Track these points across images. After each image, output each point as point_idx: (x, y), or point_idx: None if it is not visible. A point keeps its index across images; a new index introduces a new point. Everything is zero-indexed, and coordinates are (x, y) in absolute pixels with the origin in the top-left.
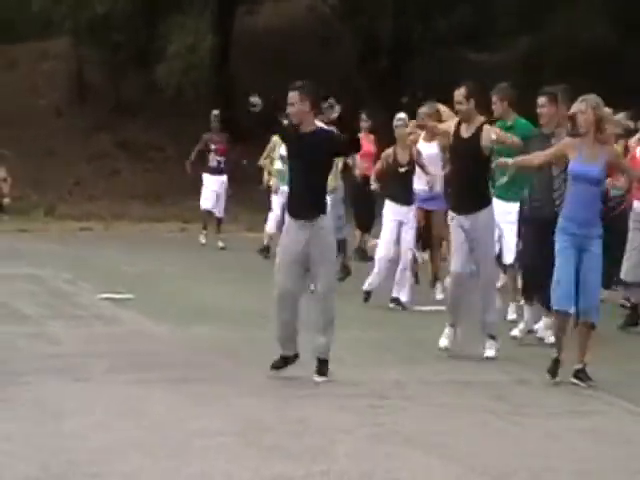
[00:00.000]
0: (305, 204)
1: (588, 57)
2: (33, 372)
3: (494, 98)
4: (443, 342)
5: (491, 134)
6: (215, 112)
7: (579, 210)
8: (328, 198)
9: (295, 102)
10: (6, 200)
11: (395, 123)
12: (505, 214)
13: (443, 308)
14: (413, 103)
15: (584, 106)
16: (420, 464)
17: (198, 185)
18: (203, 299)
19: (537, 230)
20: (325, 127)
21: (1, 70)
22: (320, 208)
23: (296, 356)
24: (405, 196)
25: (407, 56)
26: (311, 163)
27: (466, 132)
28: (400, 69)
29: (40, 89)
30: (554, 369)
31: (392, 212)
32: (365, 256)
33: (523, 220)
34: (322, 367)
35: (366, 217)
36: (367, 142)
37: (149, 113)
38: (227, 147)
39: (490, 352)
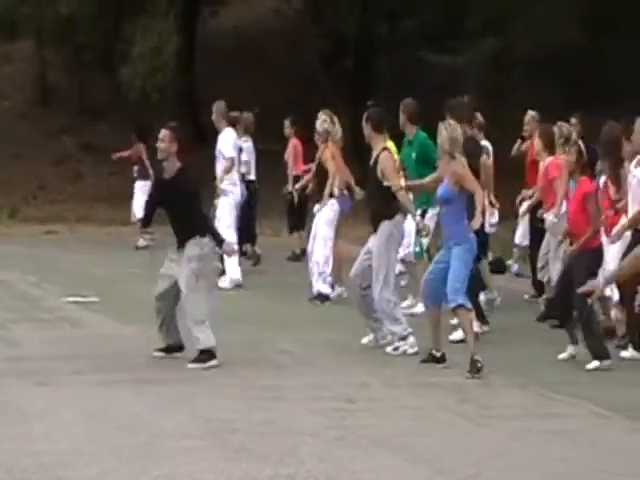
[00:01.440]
0: None
1: (555, 58)
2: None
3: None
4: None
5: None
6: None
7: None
8: None
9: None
10: None
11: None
12: None
13: (414, 311)
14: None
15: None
16: (387, 466)
17: None
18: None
19: None
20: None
21: None
22: None
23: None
24: None
25: (372, 57)
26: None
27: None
28: (365, 70)
29: (3, 92)
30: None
31: None
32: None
33: None
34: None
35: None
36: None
37: (114, 116)
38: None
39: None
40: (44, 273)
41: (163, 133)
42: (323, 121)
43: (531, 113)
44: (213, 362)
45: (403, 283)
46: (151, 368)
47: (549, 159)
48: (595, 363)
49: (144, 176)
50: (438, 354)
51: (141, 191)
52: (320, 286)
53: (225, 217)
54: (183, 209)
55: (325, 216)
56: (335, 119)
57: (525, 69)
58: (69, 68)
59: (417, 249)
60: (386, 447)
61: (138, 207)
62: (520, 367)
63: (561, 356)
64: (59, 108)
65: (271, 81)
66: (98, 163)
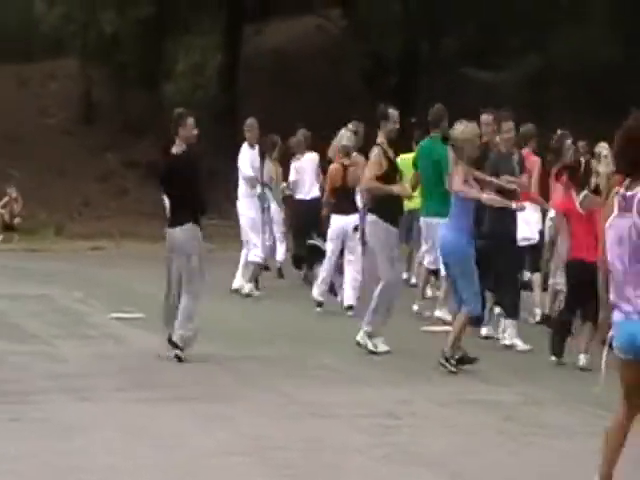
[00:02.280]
0: None
1: (594, 74)
2: (42, 391)
3: None
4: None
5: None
6: None
7: None
8: None
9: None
10: (17, 219)
11: None
12: None
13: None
14: (421, 123)
15: None
16: None
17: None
18: (211, 317)
19: None
20: None
21: (11, 90)
22: None
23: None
24: None
25: (414, 74)
26: None
27: None
28: (407, 88)
29: (48, 109)
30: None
31: None
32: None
33: None
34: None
35: None
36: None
37: (156, 133)
38: None
39: None
40: (89, 289)
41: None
42: (348, 137)
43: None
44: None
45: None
46: (194, 385)
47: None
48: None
49: None
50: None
51: None
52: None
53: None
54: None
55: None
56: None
57: (565, 86)
58: (113, 85)
59: None
60: (430, 465)
61: None
62: (564, 383)
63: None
64: (103, 125)
65: (313, 99)
66: (141, 179)
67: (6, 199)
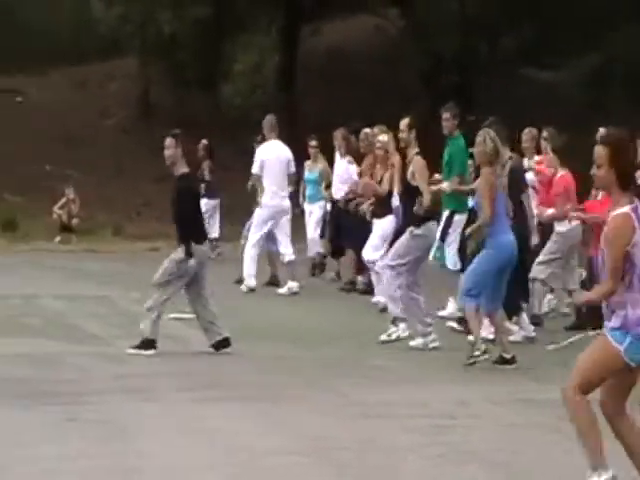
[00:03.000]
0: None
1: None
2: (102, 392)
3: (446, 115)
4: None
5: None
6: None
7: None
8: None
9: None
10: (75, 220)
11: None
12: None
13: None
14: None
15: None
16: None
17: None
18: (268, 317)
19: None
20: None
21: (70, 91)
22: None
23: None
24: None
25: (472, 74)
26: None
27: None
28: (465, 87)
29: (108, 109)
30: None
31: None
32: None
33: None
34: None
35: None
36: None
37: (214, 132)
38: None
39: None
40: (147, 290)
41: (167, 141)
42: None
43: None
44: (150, 352)
45: None
46: (253, 386)
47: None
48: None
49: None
50: (508, 356)
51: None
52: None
53: (254, 227)
54: (177, 213)
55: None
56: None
57: (626, 85)
58: (171, 85)
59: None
60: (485, 464)
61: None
62: None
63: None
64: (161, 125)
65: (370, 99)
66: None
67: (64, 200)
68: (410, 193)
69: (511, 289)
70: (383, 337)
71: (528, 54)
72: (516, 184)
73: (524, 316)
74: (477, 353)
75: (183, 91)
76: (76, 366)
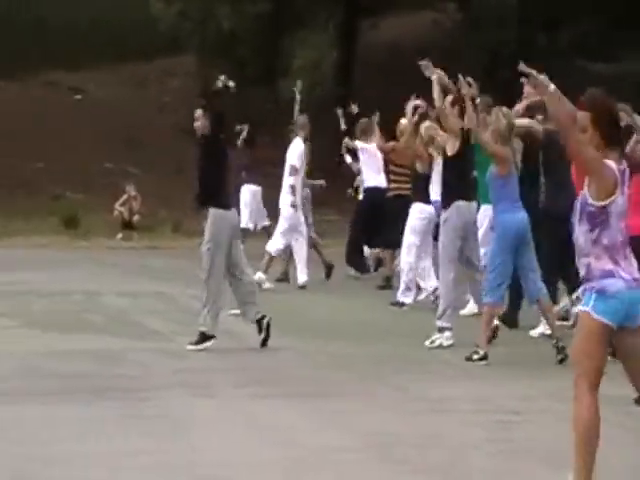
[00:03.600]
0: None
1: None
2: (162, 388)
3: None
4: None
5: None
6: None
7: None
8: None
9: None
10: (136, 217)
11: None
12: None
13: (565, 323)
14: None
15: None
16: None
17: (327, 199)
18: (322, 313)
19: None
20: None
21: (130, 89)
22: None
23: None
24: None
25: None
26: None
27: None
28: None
29: (167, 106)
30: None
31: None
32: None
33: None
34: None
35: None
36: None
37: (274, 129)
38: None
39: None
40: None
41: (197, 112)
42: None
43: None
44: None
45: None
46: (310, 381)
47: None
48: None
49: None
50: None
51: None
52: (400, 295)
53: (281, 222)
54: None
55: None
56: None
57: None
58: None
59: None
60: (551, 461)
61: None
62: None
63: None
64: None
65: (428, 94)
66: (260, 176)
67: (125, 197)
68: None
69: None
70: (427, 343)
71: (587, 47)
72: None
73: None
74: (475, 357)
75: (242, 87)
76: (137, 362)
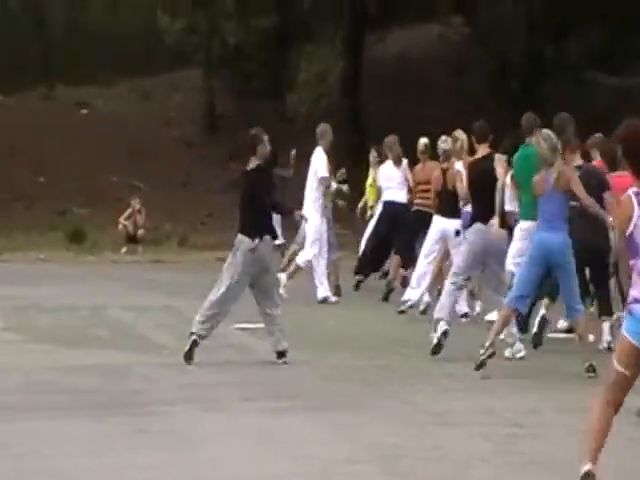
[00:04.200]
0: None
1: None
2: (169, 402)
3: None
4: None
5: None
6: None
7: None
8: None
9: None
10: (140, 231)
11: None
12: None
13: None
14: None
15: None
16: None
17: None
18: (330, 325)
19: None
20: None
21: (135, 102)
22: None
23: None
24: None
25: (538, 79)
26: None
27: None
28: (531, 92)
29: (173, 120)
30: None
31: None
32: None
33: None
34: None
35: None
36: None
37: (281, 142)
38: None
39: None
40: None
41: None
42: (444, 141)
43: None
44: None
45: None
46: (319, 395)
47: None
48: None
49: None
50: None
51: None
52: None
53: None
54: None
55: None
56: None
57: None
58: (236, 96)
59: None
60: (557, 473)
61: None
62: None
63: None
64: (226, 136)
65: (435, 106)
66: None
67: (130, 211)
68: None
69: None
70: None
71: (596, 58)
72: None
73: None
74: (483, 357)
75: (248, 101)
76: (143, 376)
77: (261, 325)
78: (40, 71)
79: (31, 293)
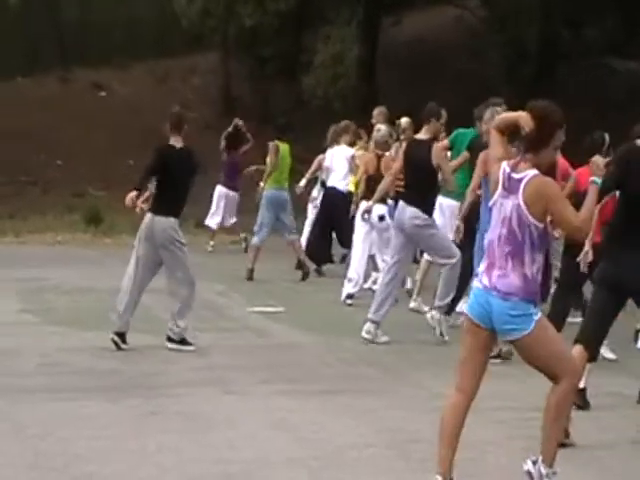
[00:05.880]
0: None
1: None
2: (184, 384)
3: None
4: None
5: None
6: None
7: None
8: None
9: None
10: None
11: None
12: None
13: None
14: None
15: None
16: (574, 479)
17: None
18: (345, 309)
19: None
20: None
21: (152, 86)
22: None
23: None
24: None
25: (554, 65)
26: None
27: None
28: (547, 78)
29: (190, 103)
30: None
31: None
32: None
33: None
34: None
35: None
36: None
37: (297, 124)
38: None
39: None
40: (231, 283)
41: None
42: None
43: None
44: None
45: None
46: (335, 379)
47: None
48: None
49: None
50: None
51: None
52: None
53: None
54: None
55: None
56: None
57: None
58: (253, 79)
59: None
60: (574, 460)
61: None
62: None
63: None
64: (243, 118)
65: (451, 90)
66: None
67: (147, 194)
68: None
69: None
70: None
71: (613, 43)
72: None
73: None
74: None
75: (265, 84)
76: (161, 359)
77: (278, 309)
78: (58, 54)
79: (48, 275)
